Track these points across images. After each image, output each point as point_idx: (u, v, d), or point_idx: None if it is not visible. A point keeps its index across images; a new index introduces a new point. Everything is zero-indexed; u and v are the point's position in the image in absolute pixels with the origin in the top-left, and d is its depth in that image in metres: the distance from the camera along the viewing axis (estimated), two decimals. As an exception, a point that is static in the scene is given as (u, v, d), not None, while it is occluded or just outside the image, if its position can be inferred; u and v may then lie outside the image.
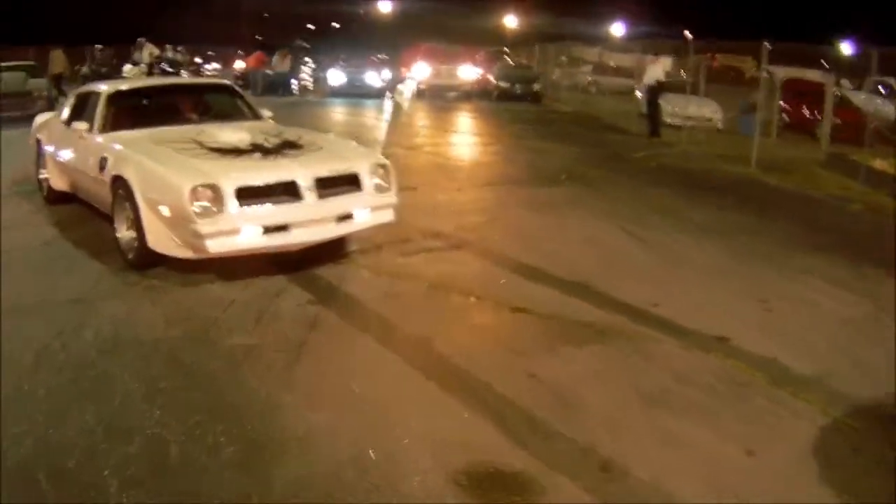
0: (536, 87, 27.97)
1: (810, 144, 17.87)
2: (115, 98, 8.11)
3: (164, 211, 6.27)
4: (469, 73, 28.22)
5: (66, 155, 8.52)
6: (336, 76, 27.33)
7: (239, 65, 29.30)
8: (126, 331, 5.49)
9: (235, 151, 6.91)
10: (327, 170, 6.80)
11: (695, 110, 19.52)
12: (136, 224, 6.54)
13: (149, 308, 5.97)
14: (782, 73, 18.33)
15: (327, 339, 5.45)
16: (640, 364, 5.01)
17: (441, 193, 10.42)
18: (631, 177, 12.54)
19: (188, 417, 4.22)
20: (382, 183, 7.03)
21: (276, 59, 25.95)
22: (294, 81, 27.44)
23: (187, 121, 8.28)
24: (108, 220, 7.38)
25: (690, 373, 4.90)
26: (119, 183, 6.79)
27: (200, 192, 6.07)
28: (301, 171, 6.58)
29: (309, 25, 57.28)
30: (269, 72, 26.23)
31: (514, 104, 26.12)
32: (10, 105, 12.08)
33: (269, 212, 6.35)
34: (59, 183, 8.91)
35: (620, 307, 6.00)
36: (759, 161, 14.04)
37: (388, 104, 25.87)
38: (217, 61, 38.59)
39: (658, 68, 18.20)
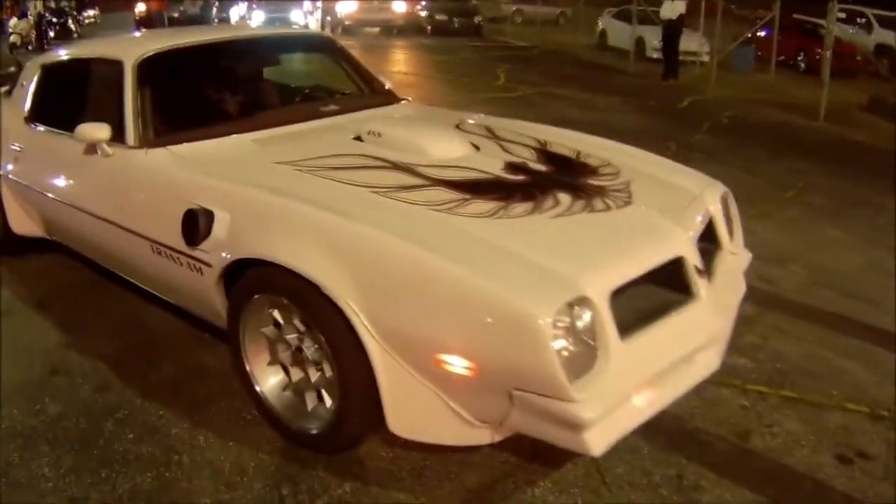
0: (478, 19, 24.03)
1: (807, 80, 16.29)
2: (153, 71, 3.93)
3: (457, 366, 2.45)
4: (400, 6, 23.91)
5: (48, 180, 4.39)
6: (254, 15, 22.44)
7: (140, 8, 23.60)
8: None
9: (499, 188, 3.15)
10: (695, 220, 3.14)
11: (682, 44, 16.34)
12: (352, 385, 2.73)
13: None
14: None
15: None
16: None
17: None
18: (735, 143, 9.66)
19: None
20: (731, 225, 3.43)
21: None
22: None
23: (293, 110, 4.29)
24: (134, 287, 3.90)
25: None
26: (269, 280, 2.91)
27: (563, 319, 2.32)
28: (679, 235, 2.95)
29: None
30: (176, 14, 20.88)
31: (455, 40, 22.50)
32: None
33: (663, 338, 2.69)
34: (27, 222, 4.78)
35: None
36: (809, 107, 12.00)
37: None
38: (93, 6, 31.86)
39: (678, 1, 14.67)
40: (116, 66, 3.90)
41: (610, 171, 3.44)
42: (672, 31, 14.78)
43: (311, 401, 2.98)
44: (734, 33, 16.79)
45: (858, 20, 19.00)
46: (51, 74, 4.63)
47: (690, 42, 16.17)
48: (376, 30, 23.96)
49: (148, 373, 3.63)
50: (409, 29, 24.07)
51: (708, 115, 11.30)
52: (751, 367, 3.78)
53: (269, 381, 3.09)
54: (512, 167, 3.34)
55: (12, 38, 17.82)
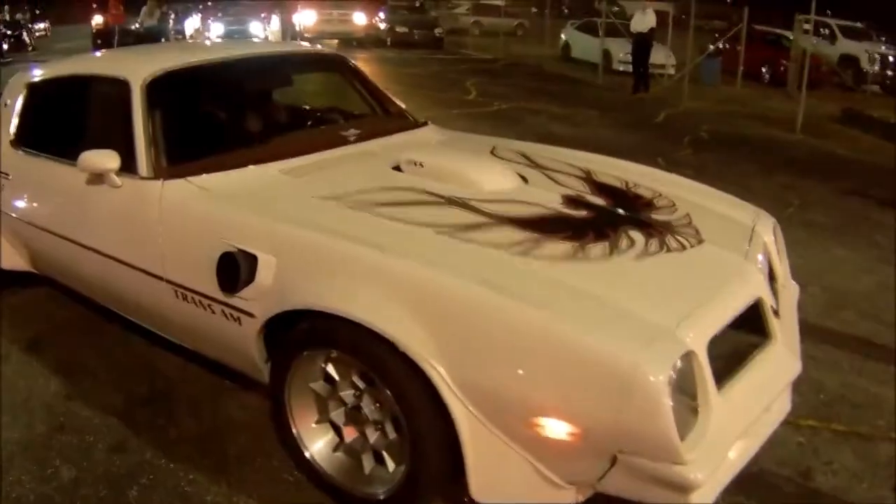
0: (438, 32, 23.81)
1: (773, 91, 16.69)
2: (164, 92, 3.56)
3: (556, 430, 2.22)
4: (360, 18, 23.57)
5: (41, 212, 4.06)
6: (213, 28, 21.83)
7: (97, 20, 22.56)
8: None
9: (566, 225, 2.90)
10: (759, 256, 2.99)
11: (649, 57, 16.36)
12: (430, 450, 2.48)
13: None
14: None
15: None
16: None
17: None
18: (720, 158, 9.52)
19: None
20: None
21: (145, 10, 19.75)
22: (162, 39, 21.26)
23: (316, 136, 3.98)
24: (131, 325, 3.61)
25: None
26: (327, 334, 2.62)
27: (673, 376, 2.14)
28: (757, 275, 2.81)
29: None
30: (134, 27, 20.01)
31: (417, 52, 22.18)
32: None
33: (752, 385, 2.56)
34: (12, 256, 4.37)
35: None
36: (783, 119, 12.19)
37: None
38: (44, 20, 30.44)
39: (650, 14, 14.63)
40: (120, 85, 3.54)
41: (666, 204, 3.24)
42: (643, 43, 14.67)
43: (368, 463, 2.70)
44: (700, 45, 16.79)
45: (822, 31, 19.18)
46: (39, 93, 4.24)
47: (657, 55, 16.13)
48: (335, 42, 23.55)
49: (167, 428, 3.29)
50: (368, 41, 23.70)
51: (686, 129, 11.20)
52: (797, 399, 3.61)
53: (318, 442, 2.80)
54: (570, 201, 3.10)
55: None
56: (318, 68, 4.72)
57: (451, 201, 2.96)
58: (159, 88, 3.51)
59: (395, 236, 2.66)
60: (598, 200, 3.17)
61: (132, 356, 3.85)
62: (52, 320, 4.29)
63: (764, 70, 18.05)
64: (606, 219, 2.97)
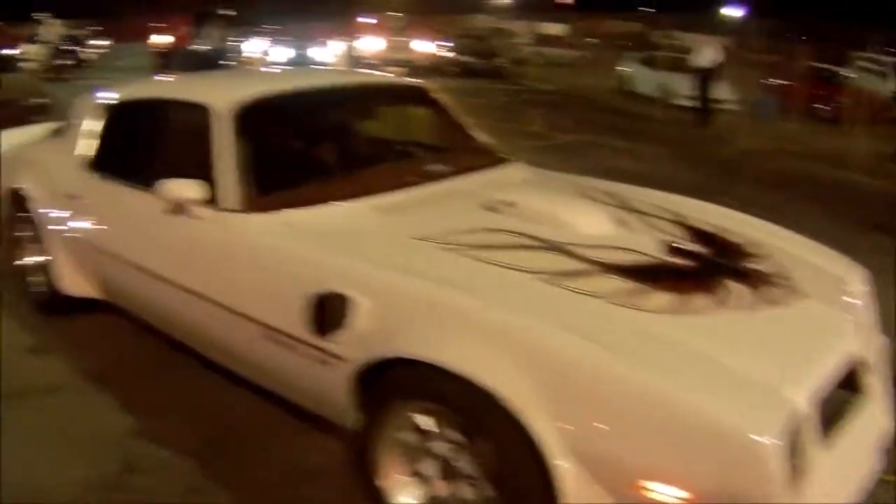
0: (499, 62, 23.78)
1: (830, 128, 15.95)
2: (249, 121, 3.40)
3: (666, 495, 2.08)
4: (426, 46, 23.62)
5: (116, 239, 3.90)
6: (280, 52, 22.02)
7: (160, 39, 22.54)
8: None
9: (669, 275, 2.76)
10: (856, 309, 2.91)
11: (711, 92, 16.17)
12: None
13: None
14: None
15: None
16: None
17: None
18: (785, 198, 9.13)
19: None
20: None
21: (207, 32, 19.78)
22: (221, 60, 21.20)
23: (403, 171, 3.78)
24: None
25: None
26: (424, 384, 2.46)
27: (786, 439, 2.03)
28: (854, 330, 2.73)
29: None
30: (195, 47, 20.01)
31: (480, 82, 22.12)
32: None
33: (851, 443, 2.45)
34: (80, 282, 4.26)
35: None
36: (841, 157, 11.89)
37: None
38: (105, 37, 30.70)
39: (714, 48, 14.42)
40: (206, 112, 3.42)
41: (761, 253, 3.09)
42: (705, 78, 14.46)
43: (458, 519, 2.52)
44: (758, 81, 16.59)
45: (876, 67, 18.87)
46: (111, 115, 4.16)
47: (718, 90, 15.91)
48: (399, 70, 23.56)
49: (243, 472, 3.14)
50: (430, 70, 23.69)
51: (752, 168, 10.97)
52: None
53: (406, 496, 2.62)
54: (672, 249, 2.94)
55: (32, 66, 17.28)
56: (405, 100, 4.56)
57: (552, 246, 2.82)
58: (248, 117, 3.39)
59: (498, 283, 2.52)
60: (697, 248, 3.02)
61: (204, 393, 3.71)
62: (121, 352, 4.15)
63: (820, 106, 17.70)
64: (707, 269, 2.82)
